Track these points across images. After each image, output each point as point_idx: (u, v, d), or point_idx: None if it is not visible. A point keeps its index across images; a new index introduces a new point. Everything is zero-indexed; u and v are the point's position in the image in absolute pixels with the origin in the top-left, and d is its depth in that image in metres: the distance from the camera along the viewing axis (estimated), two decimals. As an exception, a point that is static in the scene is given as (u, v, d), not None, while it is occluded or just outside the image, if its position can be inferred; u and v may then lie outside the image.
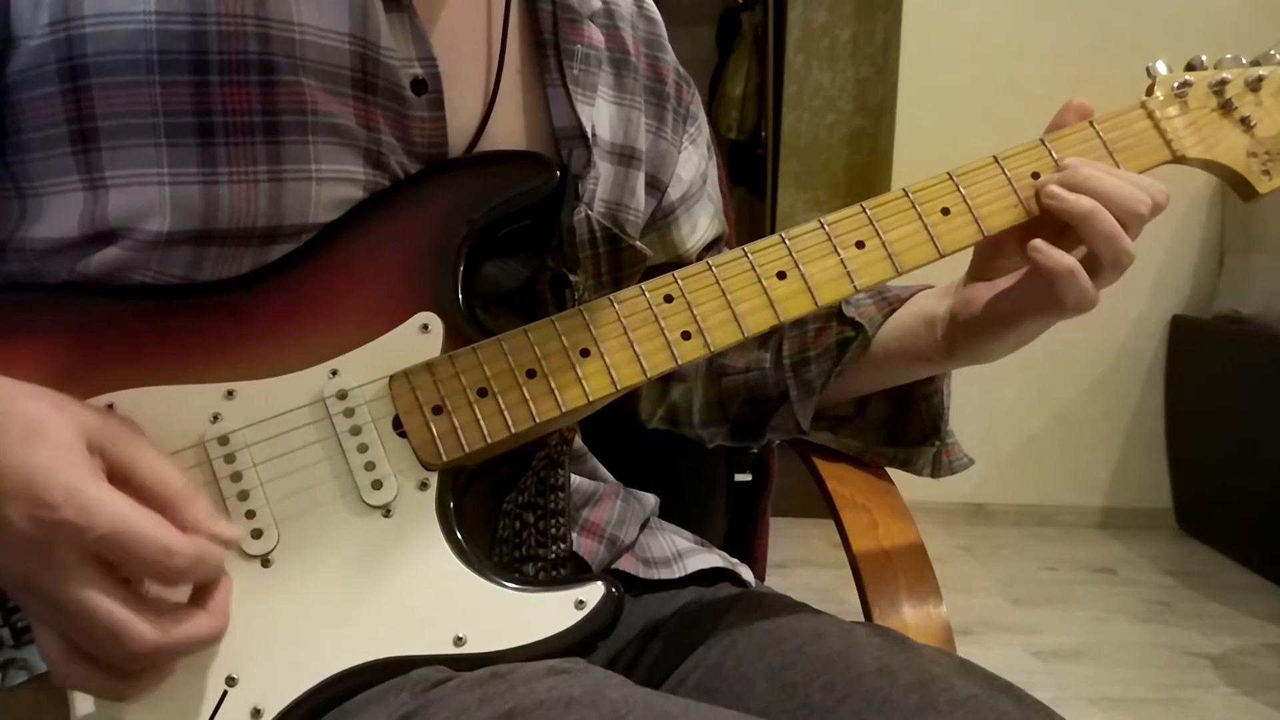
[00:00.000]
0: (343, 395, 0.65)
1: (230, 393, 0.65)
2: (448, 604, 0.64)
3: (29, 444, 0.53)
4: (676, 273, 0.71)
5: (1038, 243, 0.72)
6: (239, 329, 0.66)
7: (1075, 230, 0.71)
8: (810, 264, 0.71)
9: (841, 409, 0.93)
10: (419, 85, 0.70)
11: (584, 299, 0.74)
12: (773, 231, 0.72)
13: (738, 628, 0.76)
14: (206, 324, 0.66)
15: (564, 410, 0.67)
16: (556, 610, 0.64)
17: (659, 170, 0.87)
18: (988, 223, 0.74)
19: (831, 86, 3.95)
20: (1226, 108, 0.79)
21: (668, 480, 0.99)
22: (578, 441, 0.88)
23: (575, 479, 0.85)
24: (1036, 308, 0.74)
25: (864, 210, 0.73)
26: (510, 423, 0.66)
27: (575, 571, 0.81)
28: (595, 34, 0.81)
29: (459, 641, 0.63)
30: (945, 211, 0.73)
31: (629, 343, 0.69)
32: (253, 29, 0.65)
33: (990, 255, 0.78)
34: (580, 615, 0.64)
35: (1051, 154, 0.75)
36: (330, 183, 0.67)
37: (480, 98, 0.75)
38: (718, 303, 0.70)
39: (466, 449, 0.66)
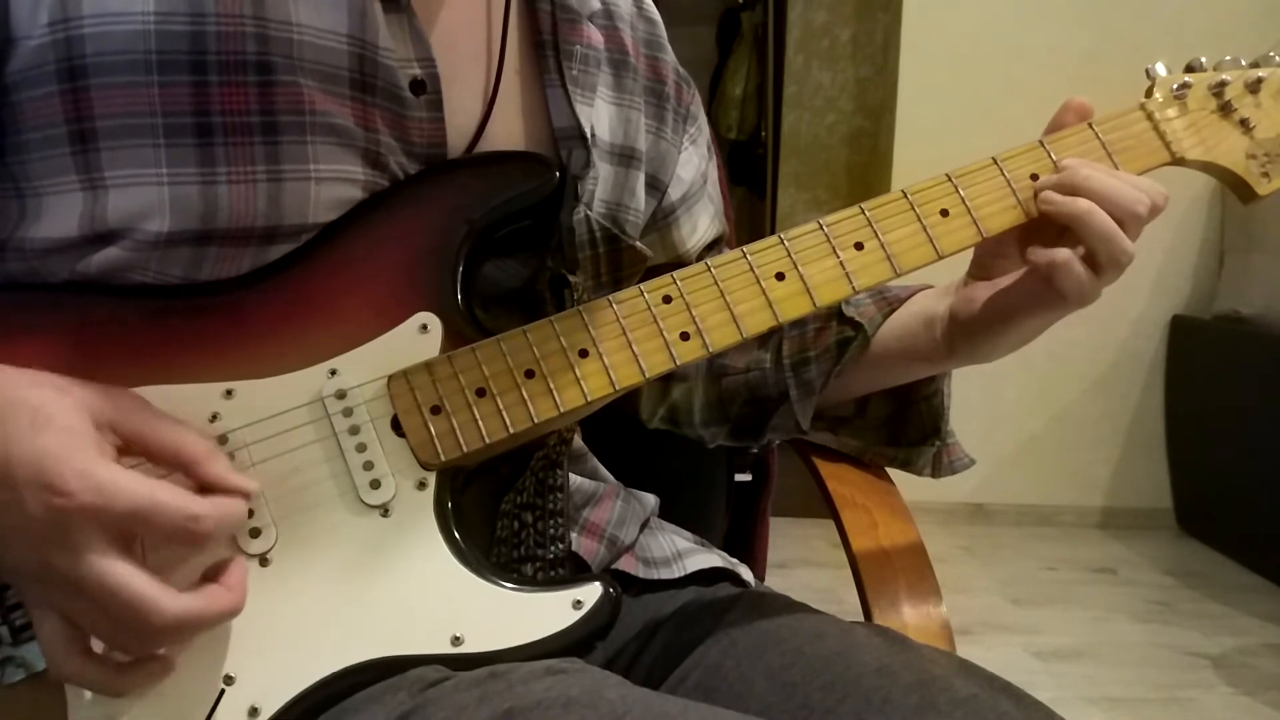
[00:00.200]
0: (341, 395, 0.66)
1: (229, 392, 0.65)
2: (445, 604, 0.64)
3: (36, 431, 0.54)
4: (675, 273, 0.71)
5: (1033, 247, 0.72)
6: (238, 329, 0.67)
7: (1073, 231, 0.72)
8: (809, 265, 0.71)
9: (842, 409, 0.93)
10: (418, 86, 0.70)
11: (583, 299, 0.74)
12: (773, 232, 0.72)
13: (737, 628, 0.76)
14: (206, 324, 0.66)
15: (562, 411, 0.67)
16: (554, 610, 0.64)
17: (659, 170, 0.87)
18: (986, 224, 0.74)
19: (831, 86, 3.95)
20: (1226, 110, 0.79)
21: (668, 480, 0.99)
22: (577, 441, 0.88)
23: (576, 479, 0.85)
24: (1037, 303, 0.74)
25: (863, 211, 0.73)
26: (508, 423, 0.66)
27: (574, 571, 0.81)
28: (594, 34, 0.81)
29: (457, 641, 0.63)
30: (944, 213, 0.74)
31: (627, 343, 0.69)
32: (251, 29, 0.65)
33: (990, 255, 0.79)
34: (578, 615, 0.64)
35: (1050, 155, 0.75)
36: (329, 183, 0.67)
37: (479, 98, 0.75)
38: (716, 303, 0.70)
39: (465, 449, 0.66)
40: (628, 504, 0.89)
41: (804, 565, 2.84)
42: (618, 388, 0.68)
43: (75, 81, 0.63)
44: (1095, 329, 3.22)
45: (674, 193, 0.89)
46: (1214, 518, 3.20)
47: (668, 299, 0.70)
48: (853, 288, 0.72)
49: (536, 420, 0.67)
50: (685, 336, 0.70)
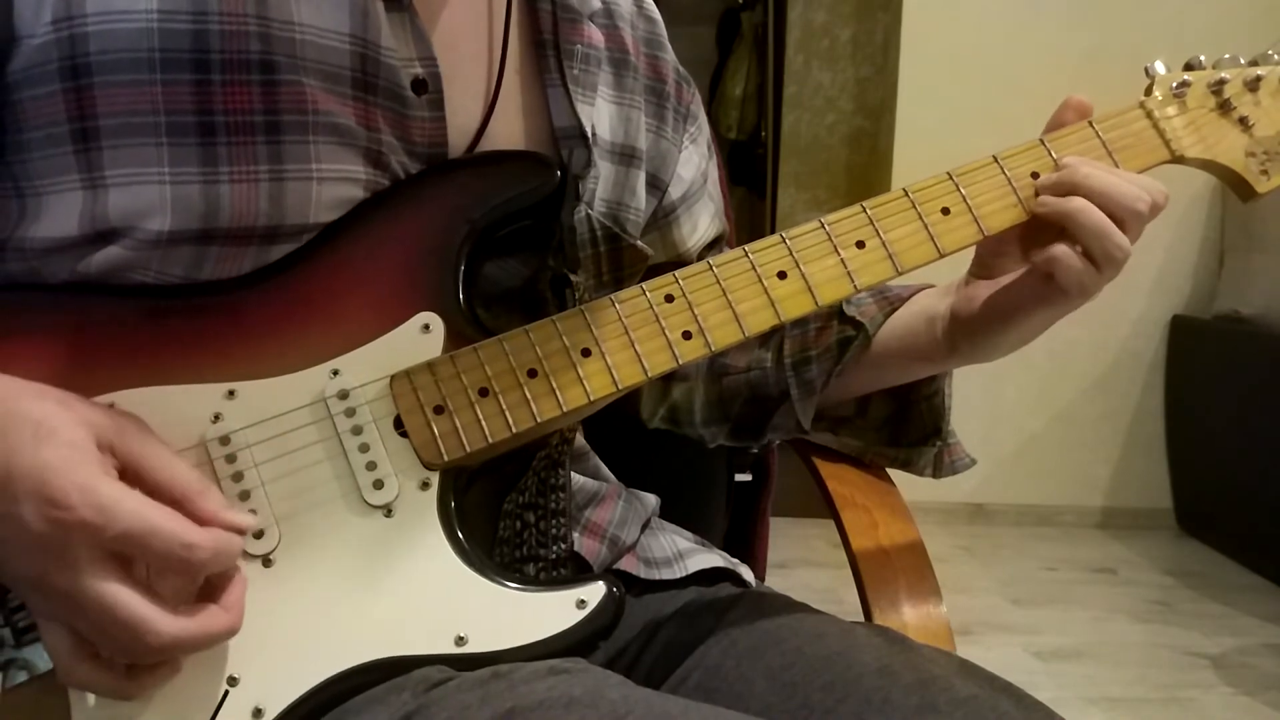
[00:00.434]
0: (344, 395, 0.66)
1: (231, 393, 0.65)
2: (449, 604, 0.64)
3: (39, 443, 0.53)
4: (677, 272, 0.71)
5: (1049, 249, 0.72)
6: (240, 329, 0.66)
7: (1067, 230, 0.72)
8: (811, 264, 0.72)
9: (843, 409, 0.93)
10: (419, 85, 0.70)
11: (584, 299, 0.74)
12: (773, 231, 0.72)
13: (738, 628, 0.76)
14: (207, 324, 0.66)
15: (565, 410, 0.67)
16: (557, 610, 0.64)
17: (660, 169, 0.87)
18: (987, 222, 0.74)
19: (831, 86, 3.96)
20: (1225, 108, 0.79)
21: (668, 480, 0.99)
22: (579, 440, 0.88)
23: (578, 479, 0.85)
24: (1038, 301, 0.74)
25: (864, 210, 0.73)
26: (511, 422, 0.66)
27: (576, 571, 0.81)
28: (595, 34, 0.81)
29: (460, 641, 0.63)
30: (945, 211, 0.74)
31: (630, 342, 0.69)
32: (254, 28, 0.65)
33: (991, 254, 0.79)
34: (581, 615, 0.64)
35: (1051, 154, 0.75)
36: (331, 182, 0.67)
37: (480, 98, 0.75)
38: (718, 302, 0.70)
39: (468, 449, 0.66)
40: (629, 504, 0.89)
41: (804, 565, 2.84)
42: (620, 387, 0.68)
43: (78, 80, 0.63)
44: (1095, 329, 3.22)
45: (674, 192, 0.89)
46: (1214, 518, 3.20)
47: (670, 298, 0.70)
48: (854, 286, 0.72)
49: (539, 420, 0.67)
50: (687, 335, 0.70)
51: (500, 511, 0.74)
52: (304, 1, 0.67)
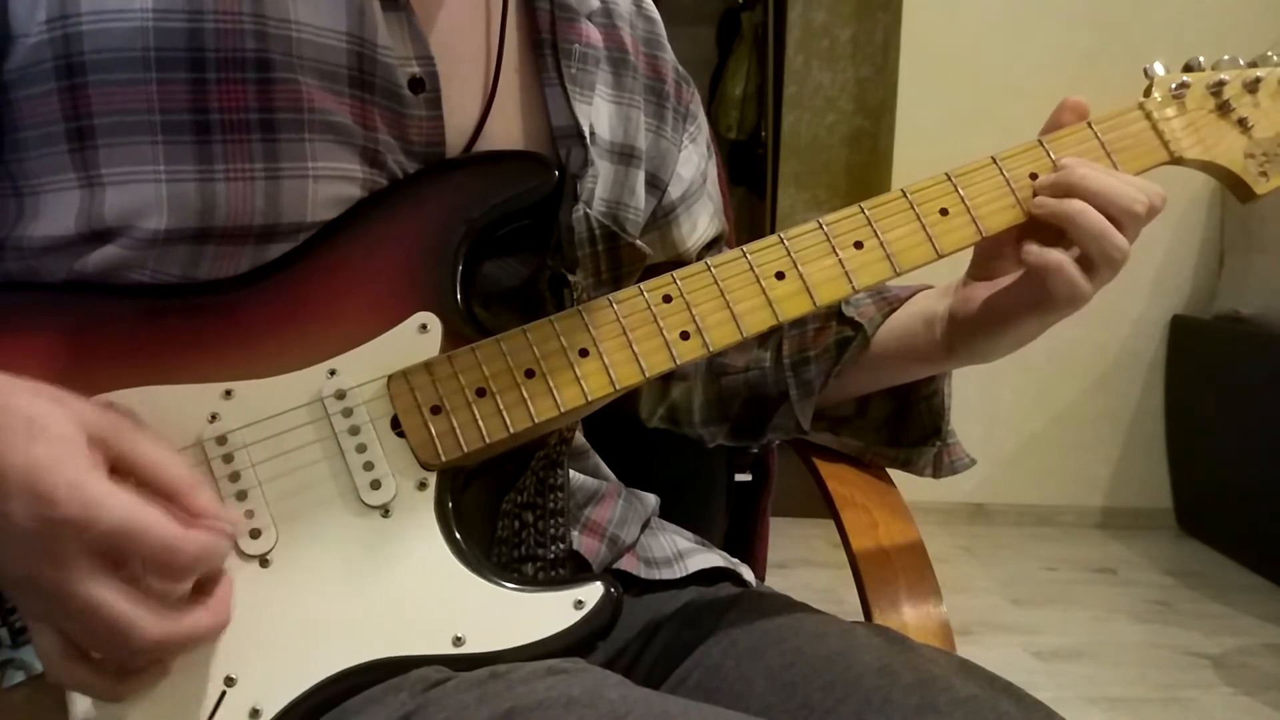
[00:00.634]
0: (341, 395, 0.65)
1: (228, 392, 0.65)
2: (446, 604, 0.64)
3: (30, 440, 0.53)
4: (675, 273, 0.71)
5: (1029, 245, 0.72)
6: (237, 328, 0.66)
7: (1065, 231, 0.72)
8: (809, 264, 0.71)
9: (842, 409, 0.93)
10: (416, 84, 0.70)
11: (583, 298, 0.74)
12: (773, 231, 0.72)
13: (738, 628, 0.76)
14: (204, 323, 0.66)
15: (562, 410, 0.67)
16: (555, 610, 0.64)
17: (659, 169, 0.87)
18: (986, 223, 0.74)
19: (831, 86, 3.96)
20: (1224, 109, 0.79)
21: (668, 480, 0.99)
22: (578, 438, 0.88)
23: (578, 477, 0.85)
24: (1033, 305, 0.74)
25: (862, 211, 0.73)
26: (509, 423, 0.66)
27: (575, 571, 0.81)
28: (593, 33, 0.81)
29: (458, 642, 0.63)
30: (944, 212, 0.74)
31: (628, 343, 0.69)
32: (249, 26, 0.65)
33: (989, 256, 0.79)
34: (579, 615, 0.64)
35: (1049, 154, 0.75)
36: (327, 181, 0.67)
37: (478, 97, 0.75)
38: (716, 303, 0.70)
39: (465, 449, 0.66)
40: (629, 504, 0.89)
41: (804, 565, 2.84)
42: (618, 387, 0.68)
43: (73, 79, 0.63)
44: (1095, 329, 3.22)
45: (674, 191, 0.89)
46: (1214, 518, 3.20)
47: (668, 298, 0.70)
48: (852, 287, 0.72)
49: (537, 420, 0.67)
50: (685, 336, 0.70)
51: (498, 511, 0.74)
52: (300, 0, 0.66)
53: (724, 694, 0.71)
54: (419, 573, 0.64)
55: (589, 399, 0.68)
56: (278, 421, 0.65)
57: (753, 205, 4.49)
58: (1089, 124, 0.77)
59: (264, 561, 0.63)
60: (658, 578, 0.86)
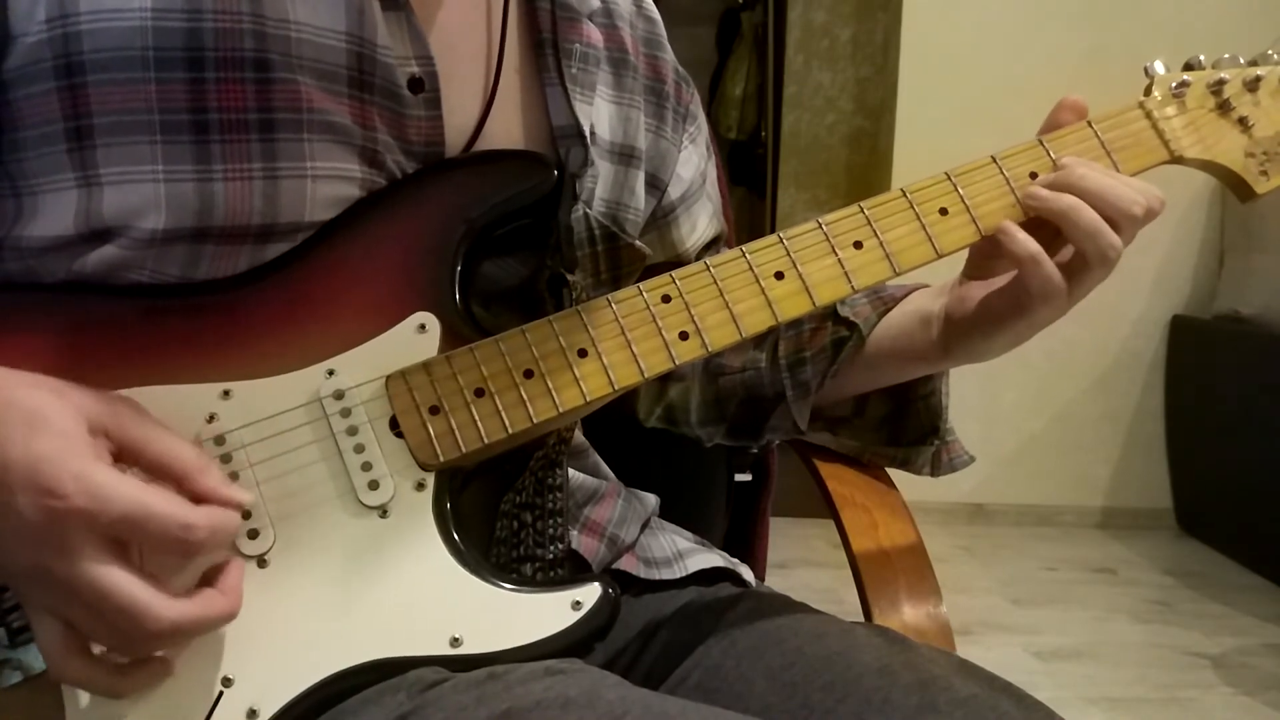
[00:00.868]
0: (339, 395, 0.65)
1: (226, 393, 0.64)
2: (444, 605, 0.63)
3: (32, 433, 0.53)
4: (674, 273, 0.71)
5: (1006, 225, 0.72)
6: (235, 328, 0.66)
7: (1060, 228, 0.72)
8: (808, 264, 0.71)
9: (839, 409, 0.93)
10: (416, 84, 0.70)
11: (582, 298, 0.74)
12: (772, 231, 0.72)
13: (738, 628, 0.76)
14: (203, 323, 0.66)
15: (561, 411, 0.67)
16: (553, 611, 0.64)
17: (659, 169, 0.87)
18: (985, 223, 0.74)
19: (831, 86, 3.96)
20: (1224, 108, 0.79)
21: (668, 480, 0.99)
22: (578, 437, 0.88)
23: (577, 476, 0.85)
24: (1030, 302, 0.74)
25: (862, 210, 0.73)
26: (507, 423, 0.66)
27: (574, 571, 0.81)
28: (594, 33, 0.81)
29: (455, 642, 0.63)
30: (943, 212, 0.73)
31: (626, 343, 0.69)
32: (249, 26, 0.65)
33: (986, 255, 0.78)
34: (577, 616, 0.64)
35: (1049, 153, 0.75)
36: (326, 180, 0.67)
37: (478, 97, 0.75)
38: (715, 303, 0.70)
39: (463, 449, 0.66)
40: (629, 503, 0.89)
41: (804, 565, 2.84)
42: (617, 388, 0.68)
43: (72, 78, 0.63)
44: (1095, 329, 3.22)
45: (674, 192, 0.88)
46: (1214, 518, 3.20)
47: (666, 298, 0.70)
48: (852, 287, 0.72)
49: (535, 421, 0.67)
50: (684, 336, 0.69)
51: (497, 511, 0.74)
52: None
53: (724, 694, 0.71)
54: (417, 573, 0.64)
55: (588, 399, 0.67)
56: (276, 422, 0.64)
57: (753, 205, 4.49)
58: (1089, 123, 0.76)
59: (262, 562, 0.63)
60: (657, 578, 0.85)
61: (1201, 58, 0.80)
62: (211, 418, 0.64)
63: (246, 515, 0.62)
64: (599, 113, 0.80)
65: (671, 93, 0.88)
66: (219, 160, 0.64)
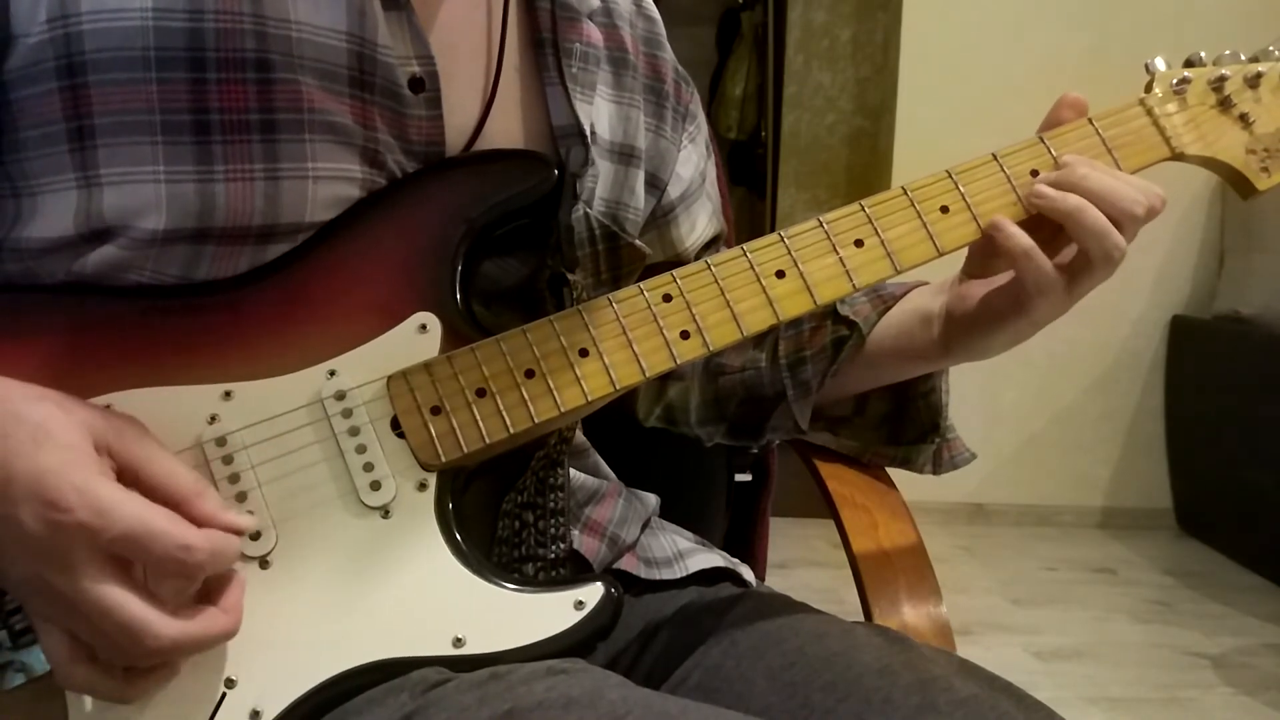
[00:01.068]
0: (341, 396, 0.65)
1: (228, 393, 0.64)
2: (446, 605, 0.63)
3: (37, 446, 0.53)
4: (675, 272, 0.71)
5: (999, 220, 0.72)
6: (236, 329, 0.66)
7: (1065, 228, 0.72)
8: (809, 263, 0.71)
9: (840, 408, 0.93)
10: (416, 83, 0.70)
11: (582, 298, 0.74)
12: (773, 232, 0.72)
13: (738, 628, 0.76)
14: (204, 324, 0.66)
15: (562, 411, 0.67)
16: (556, 611, 0.64)
17: (659, 169, 0.87)
18: (987, 221, 0.73)
19: (831, 86, 3.96)
20: (1225, 105, 0.79)
21: (668, 480, 0.99)
22: (579, 437, 0.88)
23: (578, 476, 0.85)
24: (1028, 301, 0.74)
25: (863, 209, 0.73)
26: (509, 423, 0.66)
27: (575, 570, 0.81)
28: (594, 32, 0.81)
29: (458, 643, 0.63)
30: (944, 210, 0.73)
31: (628, 342, 0.69)
32: (250, 26, 0.65)
33: (986, 253, 0.78)
34: (580, 616, 0.64)
35: (1050, 151, 0.75)
36: (327, 181, 0.67)
37: (478, 96, 0.75)
38: (716, 302, 0.70)
39: (465, 449, 0.66)
40: (629, 503, 0.89)
41: (804, 565, 2.84)
42: (618, 387, 0.68)
43: (74, 78, 0.63)
44: (1095, 329, 3.22)
45: (673, 191, 0.88)
46: (1214, 518, 3.20)
47: (668, 298, 0.70)
48: (853, 285, 0.72)
49: (537, 420, 0.67)
50: (685, 335, 0.69)
51: (499, 511, 0.74)
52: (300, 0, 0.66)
53: (724, 694, 0.71)
54: (419, 574, 0.64)
55: (589, 399, 0.67)
56: (277, 423, 0.64)
57: (753, 205, 4.49)
58: (1090, 120, 0.76)
59: (264, 563, 0.62)
60: (658, 578, 0.85)
61: (1202, 54, 0.80)
62: (213, 419, 0.64)
63: (255, 536, 0.62)
64: (599, 112, 0.80)
65: (671, 92, 0.88)
66: (220, 161, 0.64)
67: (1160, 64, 0.79)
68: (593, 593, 0.65)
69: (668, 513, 0.95)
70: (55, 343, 0.65)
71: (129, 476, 0.57)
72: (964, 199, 0.73)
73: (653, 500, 0.94)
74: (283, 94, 0.65)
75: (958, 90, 3.19)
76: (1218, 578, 2.95)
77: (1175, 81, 0.78)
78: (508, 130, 0.76)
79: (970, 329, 0.78)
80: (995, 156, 0.75)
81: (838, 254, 0.72)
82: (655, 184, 0.86)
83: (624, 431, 0.96)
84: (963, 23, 3.22)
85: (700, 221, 0.92)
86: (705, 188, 0.93)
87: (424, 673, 0.61)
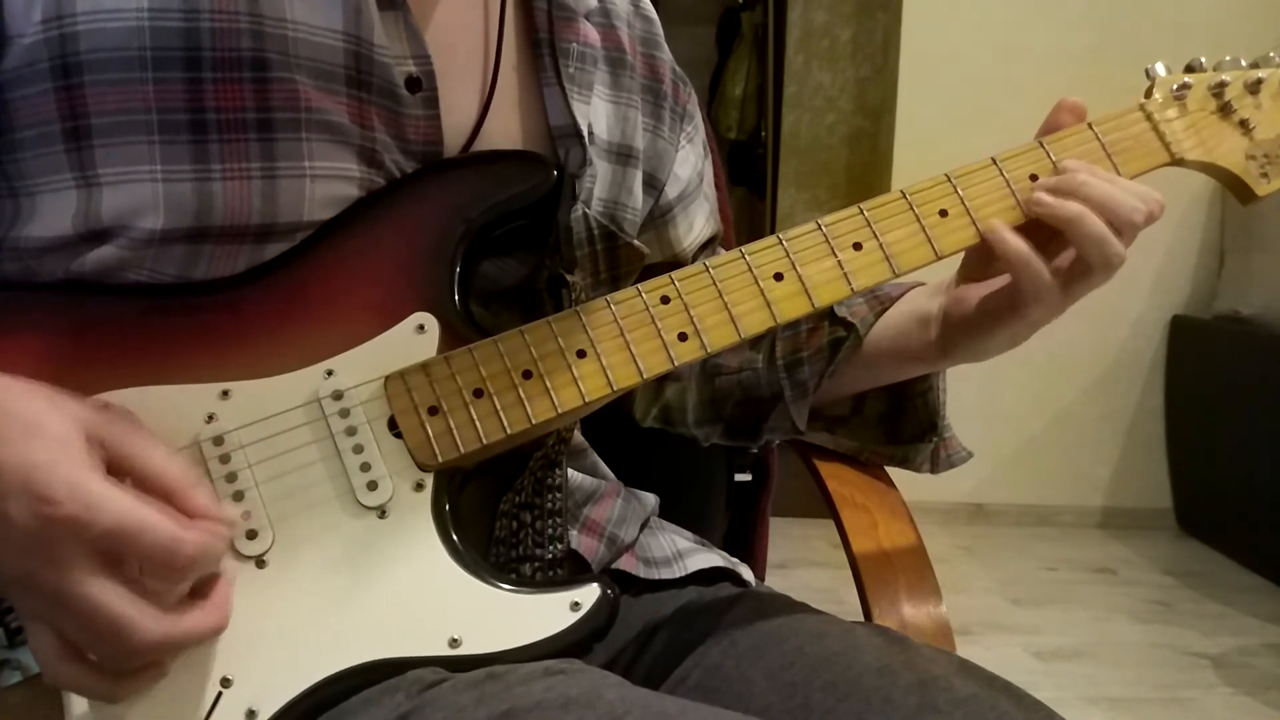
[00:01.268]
0: (338, 395, 0.65)
1: (225, 393, 0.64)
2: (443, 606, 0.63)
3: (27, 440, 0.53)
4: (673, 274, 0.71)
5: (995, 225, 0.72)
6: (234, 328, 0.66)
7: (1064, 234, 0.72)
8: (807, 265, 0.71)
9: (838, 408, 0.93)
10: (413, 83, 0.70)
11: (580, 298, 0.74)
12: (772, 232, 0.72)
13: (738, 628, 0.76)
14: (201, 323, 0.66)
15: (560, 411, 0.67)
16: (552, 612, 0.64)
17: (657, 169, 0.87)
18: (985, 225, 0.73)
19: (831, 86, 3.96)
20: (1225, 110, 0.79)
21: (668, 480, 0.99)
22: (577, 437, 0.88)
23: (576, 476, 0.85)
24: (1019, 304, 0.74)
25: (861, 212, 0.73)
26: (506, 424, 0.66)
27: (574, 570, 0.81)
28: (591, 32, 0.81)
29: (454, 643, 0.63)
30: (943, 213, 0.73)
31: (625, 344, 0.69)
32: (246, 26, 0.65)
33: (980, 258, 0.78)
34: (576, 617, 0.64)
35: (1050, 156, 0.75)
36: (324, 180, 0.67)
37: (476, 96, 0.75)
38: (715, 304, 0.70)
39: (462, 450, 0.66)
40: (628, 503, 0.89)
41: (804, 565, 2.84)
42: (615, 388, 0.68)
43: (69, 79, 0.63)
44: (1095, 329, 3.22)
45: (671, 191, 0.88)
46: (1214, 518, 3.21)
47: (666, 299, 0.70)
48: (851, 288, 0.72)
49: (534, 421, 0.67)
50: (683, 337, 0.69)
51: (496, 512, 0.74)
52: None
53: (724, 694, 0.71)
54: (415, 574, 0.64)
55: (586, 400, 0.67)
56: (274, 422, 0.64)
57: (753, 205, 4.49)
58: (1089, 125, 0.76)
59: (260, 562, 0.62)
60: (657, 577, 0.85)
61: (1203, 60, 0.80)
62: (210, 418, 0.64)
63: (252, 535, 0.62)
64: (597, 112, 0.80)
65: (669, 92, 0.88)
66: (217, 160, 0.64)
67: (1160, 69, 0.79)
68: (589, 594, 0.65)
69: (667, 512, 0.95)
70: (54, 342, 0.65)
71: (121, 470, 0.56)
72: (963, 203, 0.73)
73: (652, 500, 0.94)
74: (279, 93, 0.65)
75: (958, 90, 3.19)
76: (1218, 578, 2.95)
77: (1175, 87, 0.78)
78: (506, 130, 0.76)
79: (967, 331, 0.78)
80: (994, 160, 0.75)
81: (836, 257, 0.72)
82: (653, 184, 0.86)
83: (623, 431, 0.96)
84: (963, 23, 3.22)
85: (698, 222, 0.92)
86: (703, 188, 0.93)
87: (420, 673, 0.61)
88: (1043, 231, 0.72)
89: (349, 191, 0.68)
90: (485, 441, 0.66)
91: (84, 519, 0.52)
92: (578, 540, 0.82)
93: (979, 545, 3.18)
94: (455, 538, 0.65)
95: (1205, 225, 3.25)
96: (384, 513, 0.65)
